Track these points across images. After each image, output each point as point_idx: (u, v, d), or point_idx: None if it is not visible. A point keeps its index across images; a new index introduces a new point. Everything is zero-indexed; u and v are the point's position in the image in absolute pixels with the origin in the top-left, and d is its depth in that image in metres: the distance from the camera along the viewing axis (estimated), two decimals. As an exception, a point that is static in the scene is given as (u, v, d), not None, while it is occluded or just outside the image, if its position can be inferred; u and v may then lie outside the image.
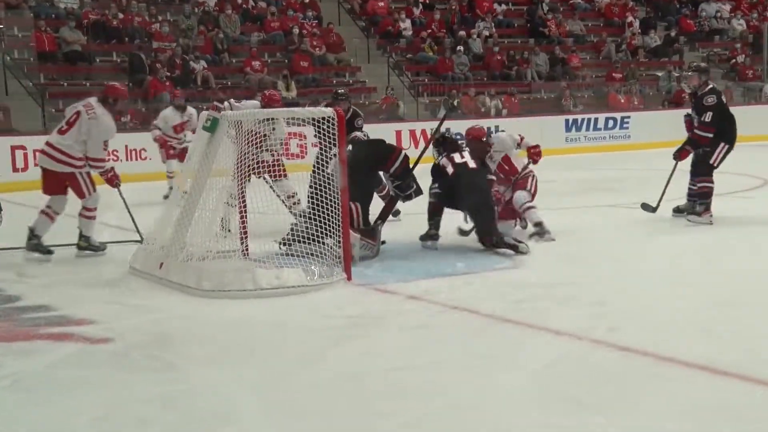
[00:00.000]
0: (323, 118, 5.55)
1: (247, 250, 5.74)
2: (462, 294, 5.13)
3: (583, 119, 17.18)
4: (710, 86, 7.36)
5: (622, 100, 18.69)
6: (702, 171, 7.27)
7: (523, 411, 3.24)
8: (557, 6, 22.02)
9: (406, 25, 19.64)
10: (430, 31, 19.50)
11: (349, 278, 5.53)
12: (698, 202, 7.26)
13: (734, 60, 21.31)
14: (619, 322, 4.37)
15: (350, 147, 6.40)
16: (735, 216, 7.53)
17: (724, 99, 7.42)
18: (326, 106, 7.74)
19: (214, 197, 5.75)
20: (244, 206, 5.83)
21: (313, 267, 5.38)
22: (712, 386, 3.42)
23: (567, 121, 16.96)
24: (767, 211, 7.62)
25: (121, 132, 13.85)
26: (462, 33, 19.18)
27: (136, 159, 13.42)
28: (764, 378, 3.40)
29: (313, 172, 5.96)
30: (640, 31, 21.76)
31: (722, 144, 7.19)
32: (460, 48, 18.81)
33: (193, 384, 3.73)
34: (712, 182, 7.23)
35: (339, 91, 8.41)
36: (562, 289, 5.19)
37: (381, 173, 6.90)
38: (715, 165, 7.23)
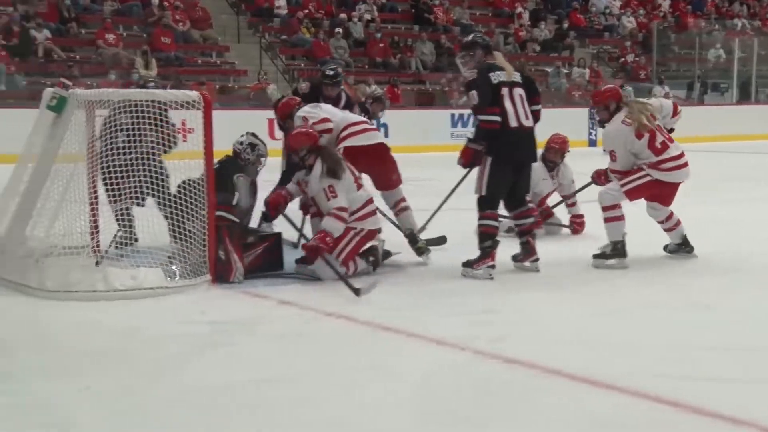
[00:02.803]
0: (188, 102, 5.46)
1: (98, 246, 5.58)
2: (338, 300, 5.17)
3: (470, 114, 17.57)
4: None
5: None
6: None
7: (399, 425, 3.30)
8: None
9: (281, 2, 19.58)
10: (307, 11, 19.52)
11: (214, 281, 5.48)
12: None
13: (623, 59, 22.40)
14: (503, 332, 4.52)
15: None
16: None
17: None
18: (312, 89, 7.32)
19: (60, 186, 5.56)
20: (96, 198, 5.66)
21: (173, 267, 5.30)
22: (596, 399, 3.59)
23: (453, 115, 17.33)
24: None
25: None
26: (342, 15, 19.31)
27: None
28: (649, 391, 3.59)
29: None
30: (529, 23, 22.54)
31: None
32: (339, 31, 18.91)
33: (32, 396, 3.60)
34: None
35: (327, 72, 7.27)
36: (445, 296, 5.33)
37: None
38: None
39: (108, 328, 4.62)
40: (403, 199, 6.51)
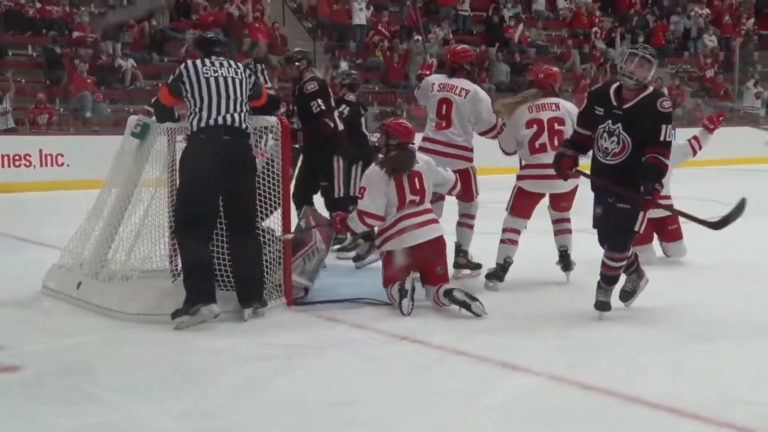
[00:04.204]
0: (265, 127, 5.55)
1: (177, 269, 5.70)
2: (411, 323, 5.17)
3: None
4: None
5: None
6: None
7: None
8: (519, 14, 22.39)
9: (360, 19, 19.69)
10: (377, 34, 19.55)
11: (289, 303, 5.53)
12: None
13: (703, 74, 21.91)
14: (581, 358, 4.46)
15: None
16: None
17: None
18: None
19: (142, 210, 5.70)
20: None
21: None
22: (678, 428, 3.50)
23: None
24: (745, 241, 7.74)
25: (36, 135, 13.89)
26: (417, 37, 19.35)
27: (52, 165, 13.23)
28: (736, 421, 3.49)
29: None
30: (604, 43, 22.25)
31: None
32: (418, 39, 18.90)
33: (116, 417, 3.68)
34: None
35: (352, 73, 8.38)
36: (520, 319, 5.28)
37: None
38: None
39: (189, 350, 4.69)
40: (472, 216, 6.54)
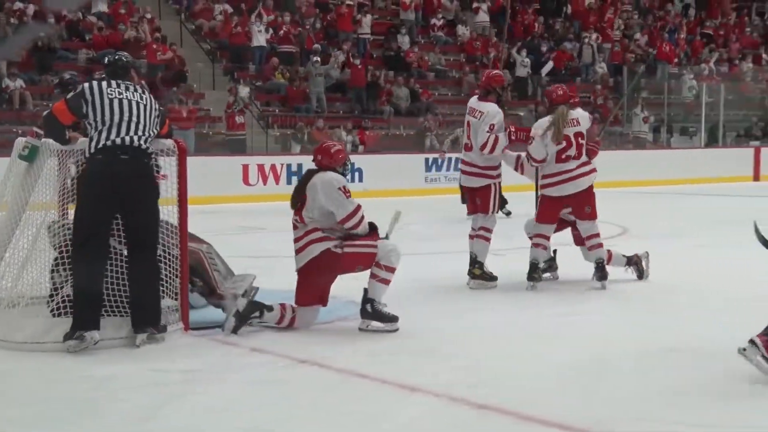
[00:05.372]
0: (162, 150, 5.43)
1: (68, 296, 5.50)
2: (312, 346, 5.13)
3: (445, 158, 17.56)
4: None
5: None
6: None
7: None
8: (419, 39, 22.72)
9: (260, 40, 19.62)
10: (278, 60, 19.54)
11: (186, 328, 5.41)
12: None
13: (594, 101, 22.66)
14: (480, 378, 4.49)
15: None
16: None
17: None
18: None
19: (30, 234, 5.49)
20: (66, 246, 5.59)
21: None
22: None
23: (427, 160, 17.40)
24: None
25: None
26: (317, 59, 19.39)
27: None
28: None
29: None
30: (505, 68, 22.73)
31: None
32: (317, 60, 18.98)
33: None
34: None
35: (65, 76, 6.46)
36: (421, 341, 5.29)
37: None
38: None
39: (78, 378, 4.53)
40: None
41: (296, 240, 5.51)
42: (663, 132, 22.86)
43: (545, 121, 6.81)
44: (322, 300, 5.58)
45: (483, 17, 23.97)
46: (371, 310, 5.48)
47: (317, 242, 5.43)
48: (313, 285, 5.51)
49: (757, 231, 4.82)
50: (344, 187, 5.43)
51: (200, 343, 5.23)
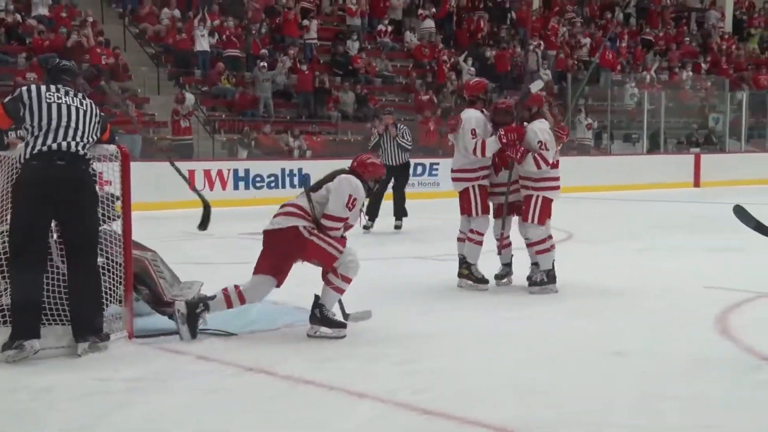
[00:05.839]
0: (104, 156, 5.34)
1: (6, 305, 5.36)
2: (259, 353, 5.08)
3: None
4: None
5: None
6: None
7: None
8: (365, 44, 22.75)
9: (203, 45, 19.46)
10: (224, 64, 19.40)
11: (130, 336, 5.33)
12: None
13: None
14: (425, 383, 4.49)
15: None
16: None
17: None
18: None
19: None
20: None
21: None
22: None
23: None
24: (576, 265, 8.11)
25: None
26: (263, 64, 19.28)
27: None
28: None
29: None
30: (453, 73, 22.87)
31: None
32: (264, 65, 18.88)
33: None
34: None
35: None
36: (368, 345, 5.28)
37: None
38: None
39: (17, 387, 4.42)
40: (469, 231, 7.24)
41: (281, 206, 5.62)
42: (605, 138, 23.19)
43: (545, 127, 7.04)
44: (277, 274, 5.54)
45: (429, 23, 24.13)
46: (320, 316, 5.47)
47: (291, 216, 5.49)
48: (272, 255, 5.52)
49: (742, 213, 5.11)
50: (353, 197, 5.52)
51: (145, 351, 5.15)
